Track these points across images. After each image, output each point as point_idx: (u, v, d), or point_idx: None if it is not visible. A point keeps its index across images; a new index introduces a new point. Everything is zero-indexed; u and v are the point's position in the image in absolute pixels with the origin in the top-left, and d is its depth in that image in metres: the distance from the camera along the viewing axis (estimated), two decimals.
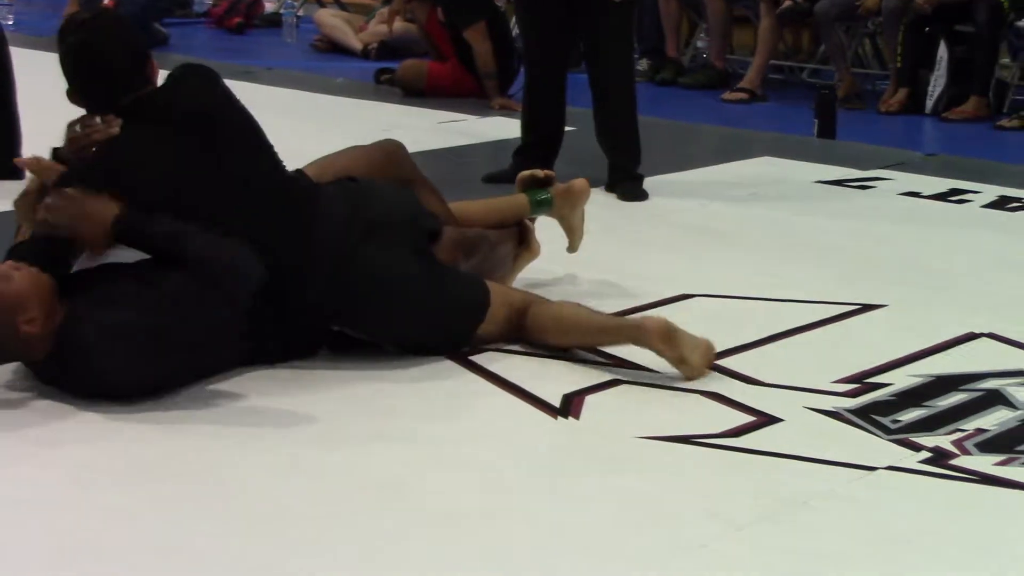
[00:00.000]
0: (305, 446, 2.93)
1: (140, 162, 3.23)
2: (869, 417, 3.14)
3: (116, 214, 3.16)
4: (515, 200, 4.03)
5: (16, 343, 3.07)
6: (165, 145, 3.24)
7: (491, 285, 3.53)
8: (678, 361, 3.31)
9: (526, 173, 4.08)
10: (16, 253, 3.24)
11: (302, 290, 3.30)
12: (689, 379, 3.30)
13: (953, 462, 2.90)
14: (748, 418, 3.12)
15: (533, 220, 4.04)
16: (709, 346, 3.37)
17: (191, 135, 3.24)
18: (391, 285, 3.36)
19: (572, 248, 4.10)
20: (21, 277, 3.06)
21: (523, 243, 3.96)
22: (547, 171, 4.10)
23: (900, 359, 3.51)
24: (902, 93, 7.43)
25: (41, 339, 3.06)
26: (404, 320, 3.40)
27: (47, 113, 5.55)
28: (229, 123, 3.32)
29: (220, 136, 3.29)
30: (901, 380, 3.37)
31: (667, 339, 3.30)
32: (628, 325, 3.44)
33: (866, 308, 3.93)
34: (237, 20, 10.03)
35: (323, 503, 2.68)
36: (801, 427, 3.09)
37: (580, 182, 4.08)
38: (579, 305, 3.53)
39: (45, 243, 3.24)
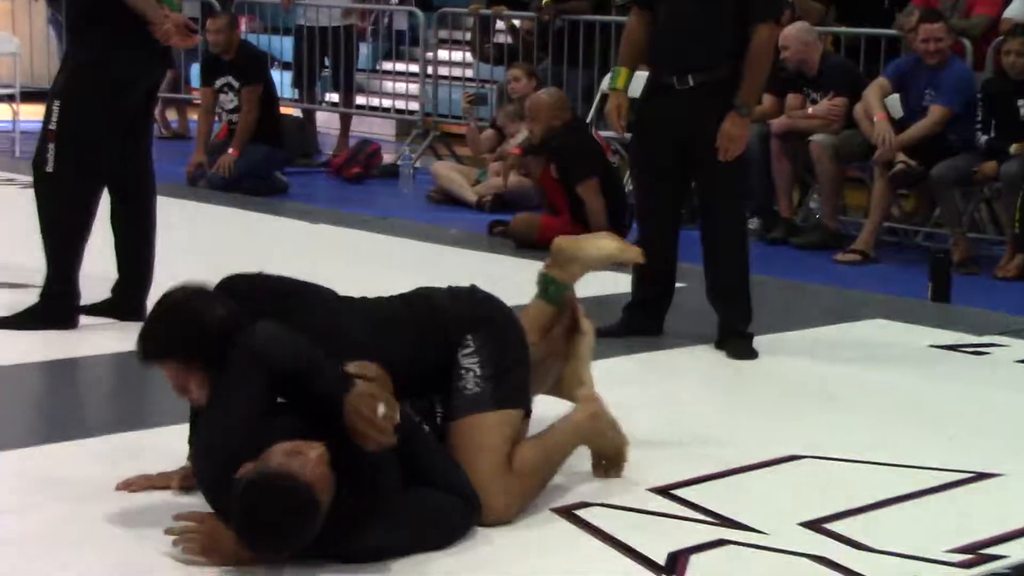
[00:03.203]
0: None
1: None
2: None
3: None
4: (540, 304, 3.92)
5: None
6: None
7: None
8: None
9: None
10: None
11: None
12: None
13: None
14: None
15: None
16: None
17: None
18: None
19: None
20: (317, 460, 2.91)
21: (574, 329, 3.94)
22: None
23: (1017, 530, 3.42)
24: (1019, 259, 7.33)
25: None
26: None
27: (174, 260, 5.74)
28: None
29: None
30: (1017, 552, 3.28)
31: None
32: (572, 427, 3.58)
33: (980, 476, 3.84)
34: (356, 170, 10.23)
35: None
36: None
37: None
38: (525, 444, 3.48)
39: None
